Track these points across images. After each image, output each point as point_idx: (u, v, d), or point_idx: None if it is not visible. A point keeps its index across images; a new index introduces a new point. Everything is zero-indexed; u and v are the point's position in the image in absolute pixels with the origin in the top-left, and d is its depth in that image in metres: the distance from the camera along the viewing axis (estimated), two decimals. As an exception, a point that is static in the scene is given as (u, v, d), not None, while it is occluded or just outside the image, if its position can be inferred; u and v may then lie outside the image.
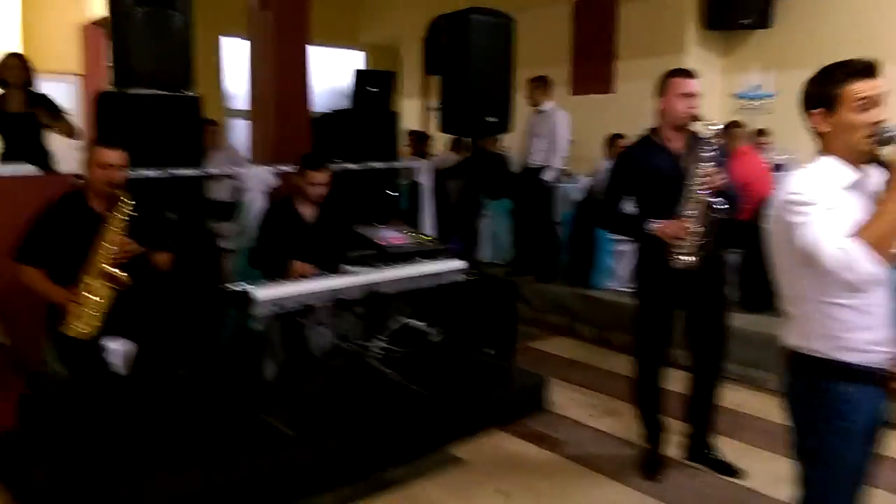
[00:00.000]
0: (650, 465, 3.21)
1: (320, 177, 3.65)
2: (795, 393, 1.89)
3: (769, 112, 6.14)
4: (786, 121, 6.35)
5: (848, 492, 1.85)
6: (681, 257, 2.88)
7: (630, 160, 3.14)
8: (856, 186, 1.77)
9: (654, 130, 3.07)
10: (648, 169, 3.02)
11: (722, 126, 2.94)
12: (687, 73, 2.98)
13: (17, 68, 4.68)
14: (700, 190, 2.86)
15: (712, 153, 2.87)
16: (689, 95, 2.91)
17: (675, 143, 2.98)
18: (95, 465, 2.69)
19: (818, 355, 1.81)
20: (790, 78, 6.50)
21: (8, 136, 4.67)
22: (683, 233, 2.85)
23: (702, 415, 3.25)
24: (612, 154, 5.76)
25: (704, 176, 2.85)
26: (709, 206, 2.84)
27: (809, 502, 1.90)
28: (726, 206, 2.85)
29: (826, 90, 1.77)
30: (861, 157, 1.74)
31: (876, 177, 1.80)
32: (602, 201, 3.21)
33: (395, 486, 3.09)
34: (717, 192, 2.86)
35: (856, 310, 1.76)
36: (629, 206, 3.16)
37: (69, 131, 4.98)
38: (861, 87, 1.72)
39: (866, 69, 1.74)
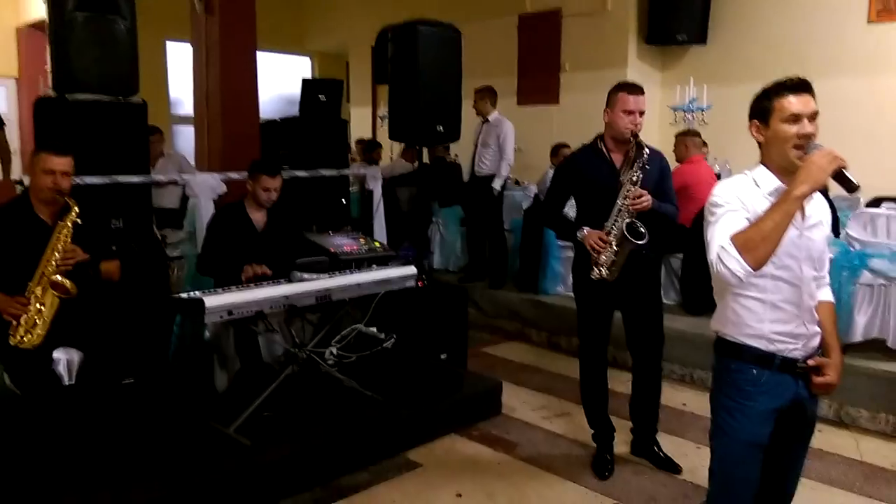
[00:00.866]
0: (600, 465, 3.29)
1: (274, 182, 3.63)
2: (714, 373, 2.04)
3: (704, 124, 6.39)
4: (720, 132, 6.63)
5: (744, 467, 1.95)
6: (596, 269, 2.96)
7: (572, 166, 3.24)
8: (779, 194, 1.81)
9: (600, 139, 3.17)
10: (588, 177, 3.11)
11: (648, 148, 3.00)
12: (634, 89, 3.05)
13: None
14: (624, 209, 2.95)
15: (640, 175, 2.94)
16: (632, 112, 2.99)
17: (616, 155, 3.09)
18: (43, 479, 2.60)
19: (730, 338, 1.95)
20: (723, 92, 6.79)
21: None
22: (603, 247, 2.94)
23: (644, 412, 3.36)
24: (557, 162, 5.89)
25: (631, 197, 2.93)
26: (628, 227, 2.89)
27: (711, 474, 2.05)
28: (642, 230, 2.91)
29: (762, 103, 1.90)
30: (792, 168, 1.82)
31: (815, 198, 1.90)
32: (544, 203, 3.30)
33: (353, 492, 3.09)
34: (642, 214, 2.94)
35: (764, 303, 1.88)
36: (571, 211, 3.27)
37: (4, 149, 4.84)
38: (791, 101, 1.82)
39: (798, 85, 1.84)
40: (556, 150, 6.02)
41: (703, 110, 6.44)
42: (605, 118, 3.12)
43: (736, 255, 1.73)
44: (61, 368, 2.85)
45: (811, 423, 2.03)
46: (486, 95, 6.08)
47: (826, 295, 2.03)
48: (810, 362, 1.91)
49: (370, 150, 7.81)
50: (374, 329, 3.81)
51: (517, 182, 7.20)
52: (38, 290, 2.76)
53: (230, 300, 3.00)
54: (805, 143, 1.81)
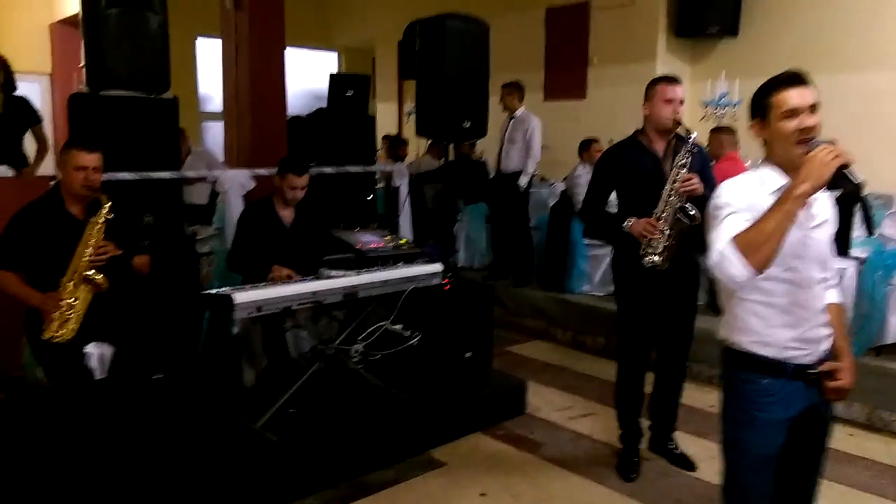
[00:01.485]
0: (626, 466, 3.27)
1: (301, 181, 3.65)
2: (724, 383, 1.99)
3: (735, 119, 6.28)
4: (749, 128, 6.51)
5: (759, 480, 1.89)
6: (648, 256, 2.97)
7: (614, 158, 3.23)
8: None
9: (639, 132, 3.16)
10: (630, 167, 3.10)
11: (695, 134, 3.02)
12: (672, 80, 3.09)
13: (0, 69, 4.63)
14: (674, 193, 2.94)
15: (689, 159, 2.95)
16: (672, 101, 3.01)
17: (658, 146, 3.08)
18: (75, 471, 2.65)
19: (739, 348, 1.89)
20: (755, 86, 6.63)
21: None
22: (653, 232, 2.93)
23: (664, 409, 3.35)
24: (588, 158, 5.83)
25: (680, 181, 2.93)
26: (680, 209, 2.91)
27: (725, 488, 1.98)
28: (694, 213, 2.91)
29: (759, 100, 1.84)
30: (796, 165, 1.73)
31: (820, 196, 1.83)
32: (585, 199, 3.28)
33: (378, 489, 3.10)
34: (691, 198, 2.93)
35: (772, 307, 1.82)
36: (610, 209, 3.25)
37: (42, 145, 4.94)
38: (788, 95, 1.76)
39: (791, 79, 1.78)
40: (587, 145, 5.94)
41: (734, 105, 6.31)
42: (644, 112, 3.14)
43: (738, 257, 1.66)
44: (94, 362, 2.91)
45: (826, 428, 1.96)
46: (514, 91, 6.04)
47: (834, 296, 1.96)
48: (822, 367, 1.85)
49: (395, 146, 7.81)
50: (399, 326, 3.83)
51: (543, 179, 7.15)
52: (71, 286, 2.80)
53: (259, 297, 3.02)
54: (807, 137, 1.74)
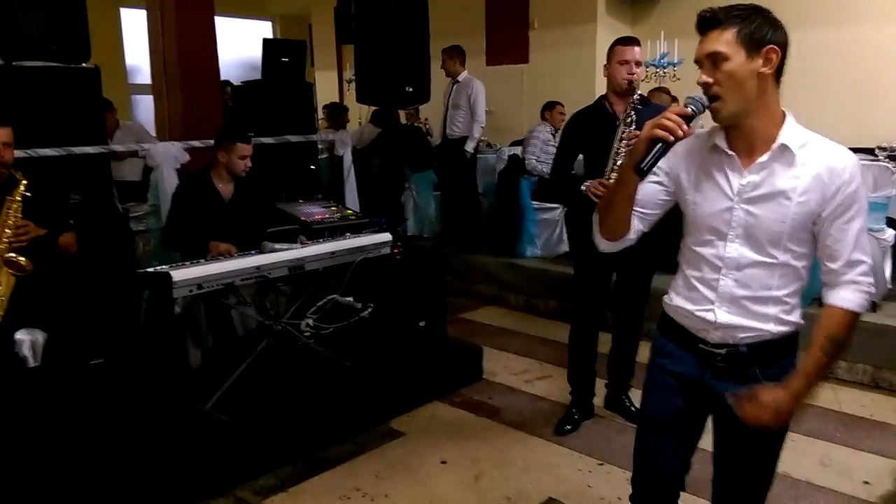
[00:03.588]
0: (565, 420, 3.32)
1: (249, 149, 3.50)
2: None
3: (676, 80, 6.32)
4: (692, 87, 6.58)
5: (647, 445, 1.76)
6: None
7: (578, 122, 3.21)
8: (717, 154, 1.55)
9: (603, 97, 3.15)
10: (592, 131, 3.08)
11: (640, 93, 3.01)
12: (628, 41, 3.07)
13: None
14: (622, 151, 2.92)
15: (634, 116, 2.93)
16: (628, 62, 2.99)
17: (619, 108, 3.06)
18: (11, 463, 2.49)
19: (664, 305, 1.73)
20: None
21: None
22: (602, 192, 2.91)
23: (620, 367, 3.39)
24: (548, 118, 5.76)
25: (626, 138, 2.91)
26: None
27: None
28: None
29: None
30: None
31: (812, 161, 1.47)
32: (553, 163, 3.29)
33: (337, 464, 3.03)
34: None
35: (685, 276, 1.64)
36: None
37: None
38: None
39: (698, 24, 1.50)
40: (551, 106, 5.85)
41: (674, 65, 6.36)
42: (604, 74, 3.12)
43: (595, 225, 1.64)
44: (25, 350, 2.72)
45: (745, 431, 1.55)
46: (455, 55, 5.93)
47: (833, 297, 1.51)
48: (738, 393, 1.52)
49: (336, 114, 7.61)
50: (350, 299, 3.72)
51: (489, 145, 7.10)
52: (-8, 270, 2.61)
53: (199, 273, 2.87)
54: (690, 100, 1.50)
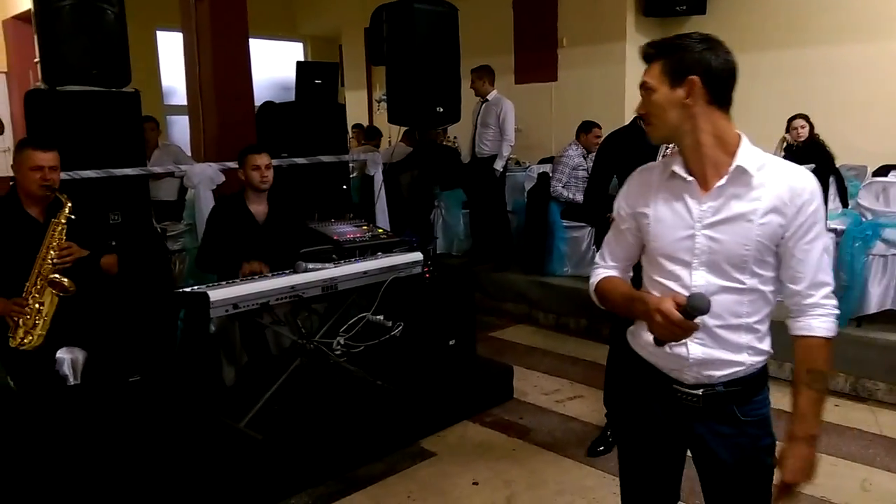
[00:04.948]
0: (598, 442, 3.27)
1: (262, 159, 3.54)
2: None
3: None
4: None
5: (630, 492, 1.71)
6: None
7: (613, 144, 3.20)
8: (675, 181, 1.52)
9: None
10: (629, 153, 3.05)
11: None
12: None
13: None
14: None
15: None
16: None
17: None
18: (52, 480, 2.54)
19: (629, 340, 1.69)
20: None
21: None
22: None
23: None
24: (582, 140, 5.72)
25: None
26: None
27: None
28: None
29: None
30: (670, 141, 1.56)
31: (771, 182, 1.45)
32: (588, 184, 3.28)
33: (368, 483, 3.04)
34: None
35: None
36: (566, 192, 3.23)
37: None
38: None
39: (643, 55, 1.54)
40: (589, 128, 5.79)
41: (705, 83, 6.30)
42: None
43: (593, 293, 1.68)
44: (66, 368, 2.78)
45: (727, 471, 1.56)
46: (484, 74, 5.97)
47: (803, 326, 1.49)
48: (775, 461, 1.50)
49: (371, 137, 7.69)
50: (381, 317, 3.75)
51: (518, 163, 7.11)
52: (36, 290, 2.68)
53: (235, 293, 2.92)
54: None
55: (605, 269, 1.67)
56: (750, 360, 1.51)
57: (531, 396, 3.98)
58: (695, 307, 1.35)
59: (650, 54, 1.50)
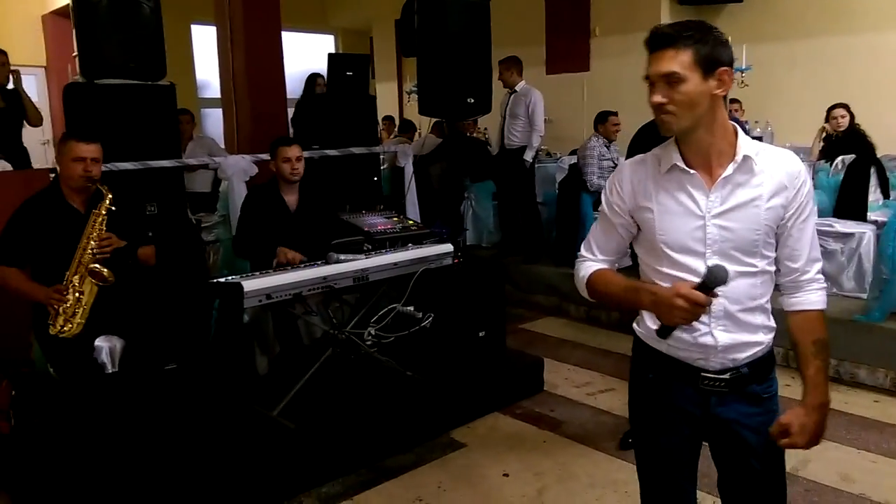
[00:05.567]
0: (631, 435, 3.22)
1: (292, 150, 3.58)
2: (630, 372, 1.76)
3: (744, 85, 6.16)
4: (760, 93, 6.40)
5: (661, 480, 1.70)
6: None
7: (647, 135, 3.18)
8: (676, 174, 1.53)
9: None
10: (656, 144, 3.03)
11: None
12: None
13: (5, 66, 4.62)
14: None
15: None
16: None
17: None
18: (91, 465, 2.60)
19: (636, 331, 1.69)
20: (763, 51, 6.54)
21: None
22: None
23: None
24: (601, 131, 5.69)
25: None
26: None
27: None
28: None
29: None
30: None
31: (770, 167, 1.49)
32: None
33: (399, 473, 3.06)
34: None
35: None
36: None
37: (37, 118, 4.92)
38: (648, 62, 1.47)
39: (650, 40, 1.47)
40: (604, 117, 5.78)
41: (742, 71, 6.18)
42: None
43: (583, 285, 1.65)
44: (104, 356, 2.84)
45: (752, 452, 1.59)
46: (512, 65, 5.93)
47: (803, 301, 1.57)
48: (771, 430, 1.54)
49: (405, 130, 7.70)
50: (411, 308, 3.76)
51: (549, 154, 7.06)
52: (76, 279, 2.74)
53: (268, 283, 2.96)
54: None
55: (594, 262, 1.66)
56: (765, 338, 1.58)
57: (562, 389, 3.96)
58: (717, 277, 1.39)
59: (672, 38, 1.42)
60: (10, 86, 4.79)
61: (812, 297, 1.56)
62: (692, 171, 1.51)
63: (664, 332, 1.49)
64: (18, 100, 4.80)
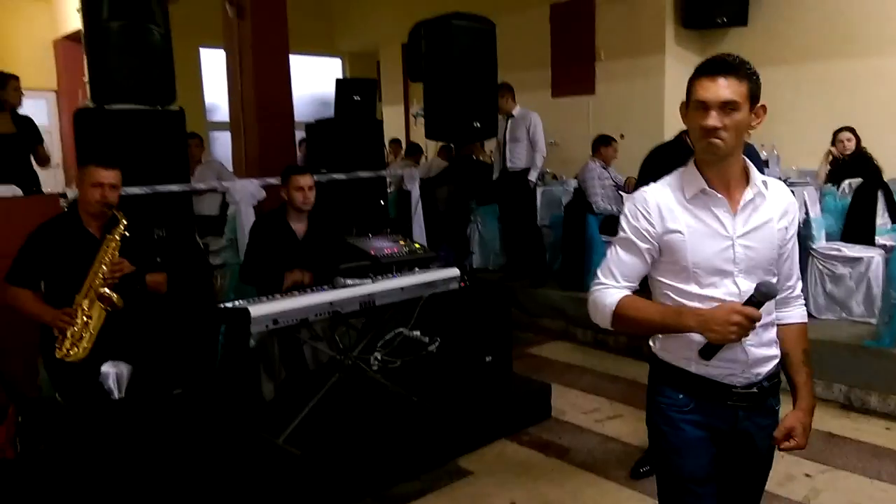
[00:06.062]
0: (643, 463, 3.20)
1: (305, 180, 3.59)
2: (647, 396, 1.78)
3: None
4: (767, 119, 6.41)
5: (689, 501, 1.69)
6: None
7: (658, 158, 3.17)
8: (703, 198, 1.60)
9: (684, 132, 3.09)
10: (675, 168, 3.03)
11: None
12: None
13: (18, 90, 4.69)
14: None
15: None
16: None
17: None
18: (96, 492, 2.59)
19: (659, 355, 1.72)
20: (768, 74, 6.52)
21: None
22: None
23: None
24: (605, 156, 5.74)
25: None
26: None
27: None
28: None
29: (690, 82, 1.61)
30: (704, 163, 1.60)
31: (774, 193, 1.63)
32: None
33: (405, 501, 3.03)
34: None
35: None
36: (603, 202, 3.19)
37: (45, 159, 4.98)
38: (700, 85, 1.54)
39: (711, 65, 1.54)
40: (608, 141, 5.83)
41: (748, 95, 6.19)
42: (682, 113, 3.05)
43: (609, 318, 1.62)
44: (111, 382, 2.84)
45: (760, 458, 1.72)
46: (506, 92, 5.96)
47: (794, 314, 1.73)
48: (776, 434, 1.66)
49: (411, 153, 7.74)
50: (417, 332, 3.75)
51: (555, 177, 7.07)
52: (86, 303, 2.75)
53: (275, 309, 2.95)
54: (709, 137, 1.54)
55: (618, 289, 1.64)
56: (777, 351, 1.69)
57: (570, 415, 3.93)
58: (769, 292, 1.50)
59: (734, 67, 1.53)
60: (21, 110, 4.84)
61: (800, 311, 1.75)
62: (720, 196, 1.60)
63: (709, 351, 1.54)
64: (31, 125, 4.86)
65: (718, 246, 1.58)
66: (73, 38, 8.31)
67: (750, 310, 1.47)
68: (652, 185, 1.69)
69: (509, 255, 6.36)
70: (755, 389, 1.64)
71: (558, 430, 3.74)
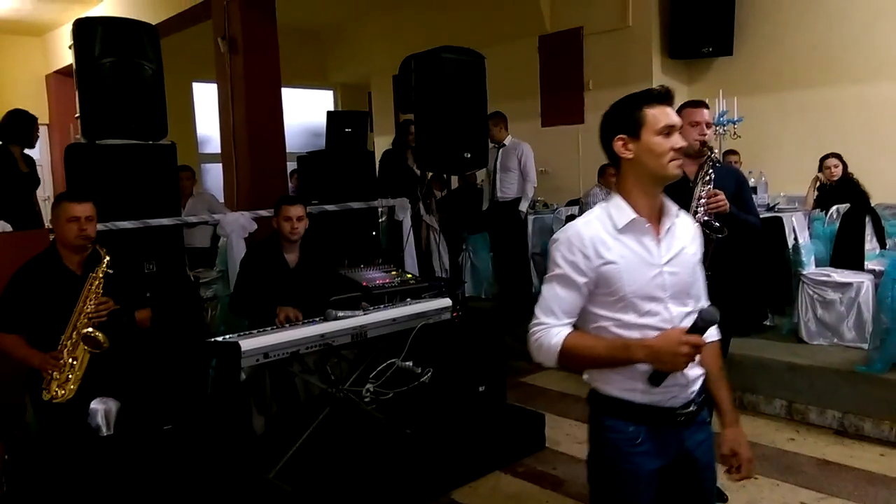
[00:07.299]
0: None
1: (293, 210, 3.59)
2: (589, 430, 1.77)
3: (737, 137, 6.25)
4: (753, 144, 6.49)
5: None
6: None
7: None
8: (633, 228, 1.64)
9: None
10: (671, 194, 3.05)
11: (717, 156, 2.99)
12: (698, 104, 3.05)
13: (37, 131, 4.80)
14: (701, 210, 2.88)
15: (713, 174, 2.91)
16: (699, 123, 2.97)
17: (690, 170, 3.01)
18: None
19: (601, 391, 1.70)
20: (754, 102, 6.65)
21: (13, 195, 4.67)
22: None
23: None
24: (606, 183, 5.80)
25: (706, 196, 2.88)
26: (705, 223, 2.85)
27: None
28: (717, 227, 2.85)
29: (628, 115, 1.67)
30: (663, 183, 1.67)
31: (682, 221, 1.73)
32: None
33: (398, 538, 2.99)
34: (716, 216, 2.88)
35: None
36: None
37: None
38: (662, 112, 1.63)
39: (663, 95, 1.67)
40: (603, 170, 5.94)
41: (734, 123, 6.28)
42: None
43: (555, 358, 1.61)
44: (99, 419, 2.80)
45: (703, 474, 1.75)
46: (499, 121, 6.05)
47: (712, 333, 1.73)
48: (725, 460, 1.73)
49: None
50: (410, 363, 3.73)
51: (546, 205, 7.11)
52: (70, 344, 2.72)
53: (266, 342, 2.94)
54: (680, 156, 1.65)
55: (560, 327, 1.63)
56: (702, 370, 1.74)
57: (564, 445, 3.90)
58: (712, 317, 1.54)
59: (672, 96, 1.69)
60: (27, 151, 4.90)
61: (712, 331, 1.72)
62: (647, 224, 1.65)
63: (658, 378, 1.58)
64: (34, 166, 4.94)
65: (650, 273, 1.63)
66: (64, 72, 8.39)
67: (695, 338, 1.52)
68: (579, 220, 1.71)
69: (501, 283, 6.36)
70: (693, 407, 1.70)
71: (553, 461, 3.71)
